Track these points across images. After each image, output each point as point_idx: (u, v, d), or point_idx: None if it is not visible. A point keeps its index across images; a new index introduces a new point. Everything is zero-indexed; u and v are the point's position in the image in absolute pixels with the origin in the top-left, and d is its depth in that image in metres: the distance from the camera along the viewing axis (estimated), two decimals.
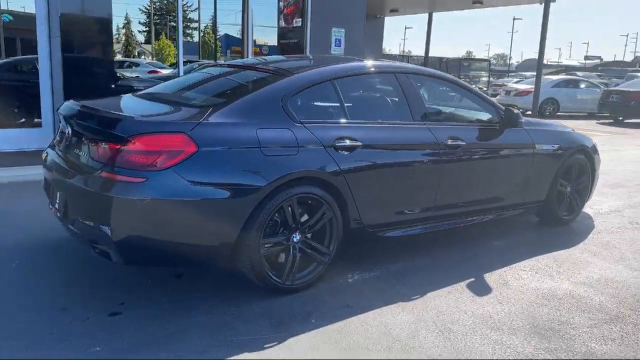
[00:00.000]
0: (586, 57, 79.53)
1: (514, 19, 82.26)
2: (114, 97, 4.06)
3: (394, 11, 18.38)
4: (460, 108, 4.67)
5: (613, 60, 77.95)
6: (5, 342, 2.70)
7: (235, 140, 3.09)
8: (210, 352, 2.69)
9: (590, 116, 17.60)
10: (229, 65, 4.35)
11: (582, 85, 17.99)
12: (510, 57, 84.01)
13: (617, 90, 16.16)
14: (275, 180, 3.12)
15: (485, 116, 4.48)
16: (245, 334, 2.87)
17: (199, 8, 43.86)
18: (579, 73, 31.34)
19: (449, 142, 3.95)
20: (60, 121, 3.67)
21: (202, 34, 43.47)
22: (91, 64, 7.06)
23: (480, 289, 3.57)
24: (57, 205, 3.36)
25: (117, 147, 2.92)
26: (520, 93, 17.69)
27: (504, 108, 4.49)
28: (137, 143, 2.89)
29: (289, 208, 3.24)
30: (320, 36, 9.99)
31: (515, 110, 4.46)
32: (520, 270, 3.91)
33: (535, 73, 14.87)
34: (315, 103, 3.63)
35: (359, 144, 3.50)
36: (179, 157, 2.90)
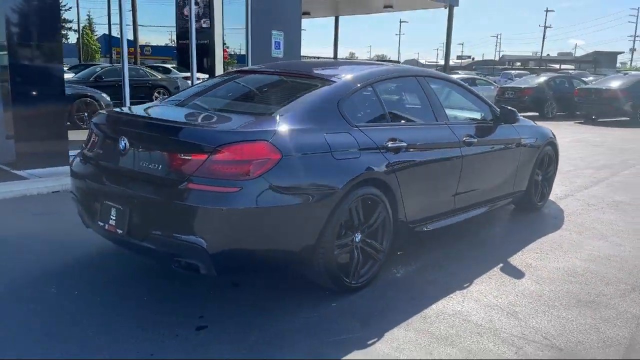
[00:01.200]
0: (459, 57, 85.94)
1: (400, 21, 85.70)
2: (153, 105, 3.89)
3: (306, 14, 18.65)
4: (459, 106, 5.02)
5: (482, 59, 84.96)
6: None
7: (310, 146, 3.14)
8: (322, 353, 2.75)
9: None
10: (256, 72, 4.33)
11: (478, 83, 19.55)
12: (398, 59, 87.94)
13: (512, 87, 17.80)
14: (347, 183, 3.22)
15: (480, 114, 4.87)
16: (341, 333, 2.95)
17: (77, 7, 41.04)
18: (460, 72, 33.87)
19: (465, 139, 4.27)
20: (96, 132, 3.47)
21: (81, 35, 40.73)
22: (39, 70, 6.50)
23: (513, 272, 3.92)
24: (112, 222, 3.18)
25: (204, 157, 2.85)
26: None
27: (497, 107, 4.92)
28: (226, 153, 2.85)
29: (355, 209, 3.35)
30: (260, 38, 9.97)
31: (511, 108, 4.90)
32: (533, 253, 4.33)
33: None
34: (361, 106, 3.75)
35: (404, 144, 3.68)
36: (267, 165, 2.91)
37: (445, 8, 15.79)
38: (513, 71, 39.36)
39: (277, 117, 3.19)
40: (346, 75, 3.74)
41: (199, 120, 3.29)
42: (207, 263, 2.88)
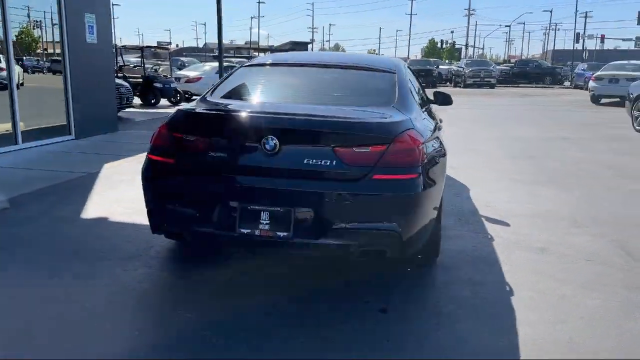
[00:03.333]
0: (159, 43, 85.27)
1: (113, 4, 78.31)
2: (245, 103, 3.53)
3: None
4: None
5: (183, 46, 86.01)
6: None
7: (425, 131, 3.49)
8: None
9: None
10: (312, 65, 4.25)
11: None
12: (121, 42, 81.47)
13: None
14: (445, 162, 3.69)
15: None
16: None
17: None
18: (183, 59, 33.99)
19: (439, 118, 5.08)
20: (202, 132, 3.12)
21: None
22: None
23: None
24: (265, 226, 2.98)
25: (383, 148, 2.98)
26: (191, 80, 18.77)
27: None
28: (399, 143, 3.03)
29: None
30: (75, 22, 8.73)
31: (446, 93, 5.85)
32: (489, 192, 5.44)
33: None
34: (413, 93, 4.11)
35: (440, 124, 4.29)
36: (423, 151, 3.19)
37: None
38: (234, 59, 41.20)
39: (395, 108, 3.44)
40: (393, 66, 4.10)
41: (346, 114, 3.28)
42: (398, 247, 3.05)
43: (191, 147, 3.15)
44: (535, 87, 33.80)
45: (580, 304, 3.27)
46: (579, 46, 48.27)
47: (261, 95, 3.85)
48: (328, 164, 2.98)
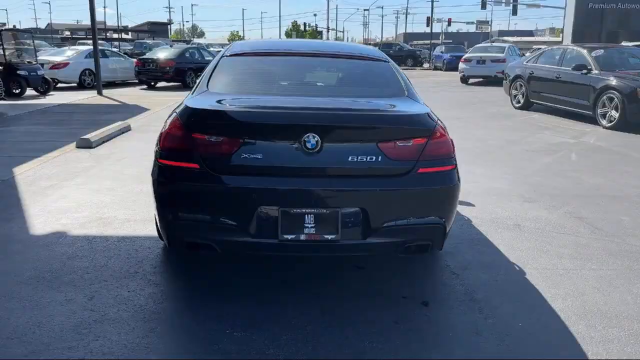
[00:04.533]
0: None
1: None
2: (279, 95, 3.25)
3: None
4: None
5: (20, 27, 77.34)
6: None
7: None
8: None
9: (126, 84, 18.71)
10: (310, 54, 3.97)
11: (109, 55, 18.75)
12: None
13: (152, 59, 17.82)
14: None
15: None
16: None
17: None
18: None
19: None
20: (230, 131, 2.82)
21: None
22: None
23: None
24: (310, 230, 2.79)
25: (424, 141, 2.92)
26: (57, 65, 16.97)
27: None
28: (437, 135, 3.00)
29: None
30: None
31: None
32: None
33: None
34: None
35: None
36: (453, 141, 3.18)
37: None
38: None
39: (410, 98, 3.38)
40: (382, 55, 4.02)
41: (384, 107, 3.13)
42: (441, 240, 3.03)
43: (218, 149, 2.80)
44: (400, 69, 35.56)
45: (586, 275, 3.53)
46: (429, 29, 51.79)
47: (273, 89, 3.52)
48: (373, 160, 2.85)
